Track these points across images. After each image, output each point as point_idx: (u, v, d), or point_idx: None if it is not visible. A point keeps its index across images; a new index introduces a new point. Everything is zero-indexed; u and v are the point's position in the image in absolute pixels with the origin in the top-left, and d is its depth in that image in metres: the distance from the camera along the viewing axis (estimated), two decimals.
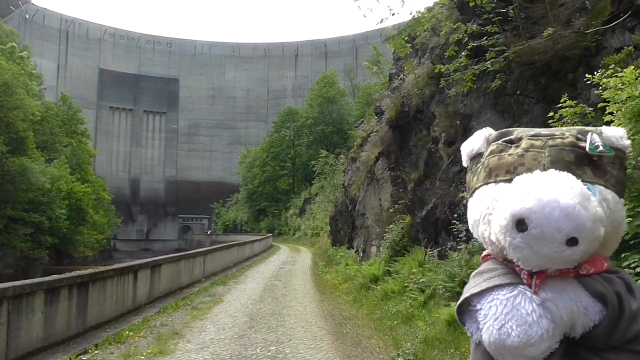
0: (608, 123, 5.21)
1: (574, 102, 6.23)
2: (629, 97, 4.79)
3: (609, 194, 1.04)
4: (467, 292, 1.10)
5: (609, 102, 5.27)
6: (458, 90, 10.23)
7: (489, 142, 1.18)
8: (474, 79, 9.47)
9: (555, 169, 1.01)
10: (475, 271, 1.15)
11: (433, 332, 7.64)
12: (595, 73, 5.72)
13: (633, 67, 5.19)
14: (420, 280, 10.04)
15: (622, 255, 4.29)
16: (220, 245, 24.73)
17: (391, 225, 13.88)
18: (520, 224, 0.96)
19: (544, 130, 1.12)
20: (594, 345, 0.99)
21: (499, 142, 1.14)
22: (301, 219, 52.18)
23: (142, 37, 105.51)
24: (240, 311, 11.61)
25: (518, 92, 9.14)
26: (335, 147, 54.22)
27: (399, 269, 11.92)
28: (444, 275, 9.00)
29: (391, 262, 12.81)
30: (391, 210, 14.73)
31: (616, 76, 5.25)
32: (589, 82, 5.88)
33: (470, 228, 1.19)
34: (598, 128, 1.11)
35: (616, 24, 7.30)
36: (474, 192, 1.16)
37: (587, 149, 1.04)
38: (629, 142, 1.11)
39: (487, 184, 1.12)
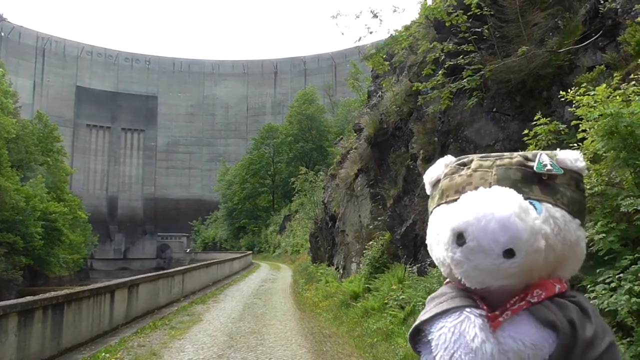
0: (581, 140, 5.32)
1: (548, 119, 6.34)
2: (601, 115, 4.88)
3: (558, 212, 1.03)
4: (418, 319, 1.09)
5: (582, 119, 5.37)
6: (436, 108, 10.35)
7: (447, 168, 1.18)
8: (451, 96, 9.60)
9: (501, 187, 1.02)
10: (430, 296, 1.14)
11: None
12: (569, 91, 5.84)
13: (605, 85, 5.32)
14: (400, 297, 10.04)
15: (597, 270, 4.34)
16: (199, 264, 24.45)
17: (371, 242, 13.89)
18: (459, 237, 0.96)
19: (495, 154, 1.13)
20: None
21: (453, 165, 1.15)
22: (281, 236, 51.89)
23: (120, 55, 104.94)
24: (219, 330, 11.46)
25: (494, 110, 9.27)
26: (315, 164, 54.11)
27: (378, 286, 11.91)
28: (423, 291, 9.02)
29: (371, 279, 12.79)
30: (371, 226, 14.76)
31: (589, 94, 5.36)
32: (562, 99, 6.00)
33: (429, 253, 1.17)
34: (553, 151, 1.11)
35: (588, 44, 7.49)
36: (430, 215, 1.16)
37: (534, 168, 1.05)
38: (584, 164, 1.11)
39: (439, 205, 1.12)
